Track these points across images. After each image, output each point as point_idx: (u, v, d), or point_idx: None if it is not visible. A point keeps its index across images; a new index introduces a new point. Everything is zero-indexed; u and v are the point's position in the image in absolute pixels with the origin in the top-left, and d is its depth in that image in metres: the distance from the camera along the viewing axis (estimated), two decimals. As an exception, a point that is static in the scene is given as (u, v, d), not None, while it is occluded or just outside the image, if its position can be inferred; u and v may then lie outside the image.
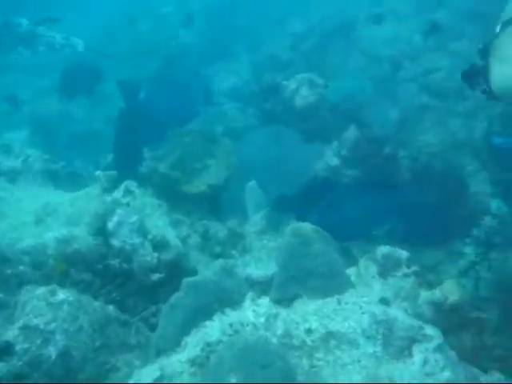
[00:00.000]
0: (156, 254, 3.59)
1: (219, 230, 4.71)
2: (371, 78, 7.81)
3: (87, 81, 7.39)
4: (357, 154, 6.21)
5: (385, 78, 7.80)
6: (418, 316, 3.29)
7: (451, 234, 5.87)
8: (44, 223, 4.55)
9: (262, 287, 3.13)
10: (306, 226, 2.74)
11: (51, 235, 4.08)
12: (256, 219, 4.69)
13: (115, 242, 3.60)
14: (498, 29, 2.71)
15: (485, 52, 2.76)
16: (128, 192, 4.53)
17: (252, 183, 4.83)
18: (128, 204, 3.86)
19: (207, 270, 2.84)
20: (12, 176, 5.27)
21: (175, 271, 3.63)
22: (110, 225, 3.65)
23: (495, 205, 5.52)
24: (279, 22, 9.56)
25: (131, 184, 4.56)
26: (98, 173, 4.75)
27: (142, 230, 3.72)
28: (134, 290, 3.51)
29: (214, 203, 4.90)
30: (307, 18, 9.30)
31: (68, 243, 3.96)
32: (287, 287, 2.76)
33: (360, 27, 8.59)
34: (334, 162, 6.19)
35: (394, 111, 7.62)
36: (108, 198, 3.84)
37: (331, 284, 2.68)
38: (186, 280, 2.81)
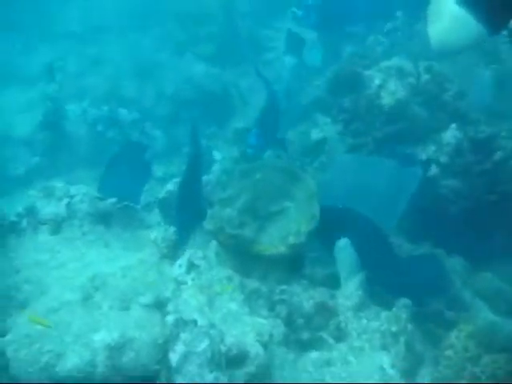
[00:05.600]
0: (236, 404, 2.70)
1: (304, 299, 3.79)
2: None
3: None
4: (459, 162, 5.07)
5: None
6: None
7: None
8: (92, 302, 3.76)
9: None
10: None
11: (100, 339, 3.26)
12: (351, 289, 3.73)
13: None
14: None
15: None
16: (192, 266, 3.64)
17: (344, 241, 3.83)
18: (195, 322, 2.90)
19: None
20: (55, 226, 4.43)
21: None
22: (174, 358, 2.78)
23: None
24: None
25: (195, 255, 3.67)
26: (154, 236, 3.87)
27: (215, 356, 2.82)
28: None
29: (295, 263, 3.95)
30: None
31: (121, 350, 3.14)
32: None
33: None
34: (432, 171, 5.08)
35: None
36: (170, 319, 2.92)
37: None
38: None
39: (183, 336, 2.82)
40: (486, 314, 4.20)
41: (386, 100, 5.31)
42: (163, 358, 2.87)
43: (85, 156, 6.88)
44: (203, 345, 2.81)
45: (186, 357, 2.78)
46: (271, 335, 3.23)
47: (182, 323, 2.87)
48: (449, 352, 3.41)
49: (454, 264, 4.59)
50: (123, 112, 6.99)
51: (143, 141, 6.61)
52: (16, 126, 7.39)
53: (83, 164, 6.88)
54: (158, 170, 6.73)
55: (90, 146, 6.98)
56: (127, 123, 6.97)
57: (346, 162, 4.57)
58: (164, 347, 2.88)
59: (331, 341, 3.56)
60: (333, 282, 3.87)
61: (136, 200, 4.83)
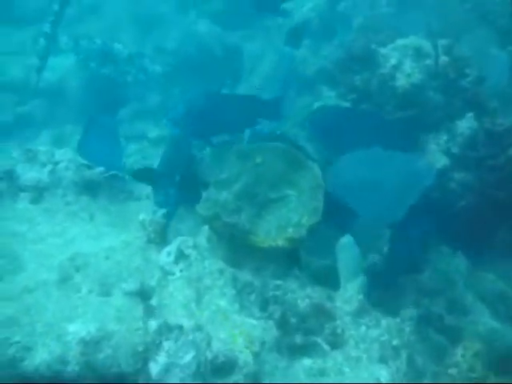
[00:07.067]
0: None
1: (299, 298, 3.51)
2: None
3: None
4: (472, 154, 4.76)
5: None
6: None
7: None
8: (70, 284, 3.46)
9: None
10: None
11: (75, 331, 2.97)
12: (351, 292, 3.45)
13: (161, 399, 2.45)
14: None
15: None
16: (181, 255, 3.34)
17: (347, 239, 3.53)
18: (180, 327, 2.60)
19: None
20: (36, 193, 4.10)
21: None
22: (154, 369, 2.49)
23: None
24: None
25: (186, 243, 3.36)
26: (142, 218, 3.55)
27: (200, 368, 2.54)
28: None
29: (292, 258, 3.66)
30: None
31: (97, 346, 2.86)
32: None
33: None
34: (442, 161, 4.77)
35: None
36: (152, 324, 2.61)
37: None
38: None
39: (166, 345, 2.52)
40: (486, 320, 3.99)
41: (401, 82, 4.95)
42: (143, 366, 2.58)
43: (77, 102, 6.43)
44: (188, 357, 2.52)
45: (167, 369, 2.50)
46: (263, 343, 2.94)
47: (165, 330, 2.56)
48: (452, 371, 3.17)
49: (458, 264, 4.36)
50: (118, 46, 6.50)
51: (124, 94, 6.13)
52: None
53: (74, 115, 6.46)
54: (152, 131, 6.35)
55: (83, 89, 6.51)
56: (123, 58, 6.47)
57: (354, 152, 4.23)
58: (144, 357, 2.58)
59: (326, 347, 3.28)
60: (330, 276, 3.58)
61: (117, 167, 4.44)
